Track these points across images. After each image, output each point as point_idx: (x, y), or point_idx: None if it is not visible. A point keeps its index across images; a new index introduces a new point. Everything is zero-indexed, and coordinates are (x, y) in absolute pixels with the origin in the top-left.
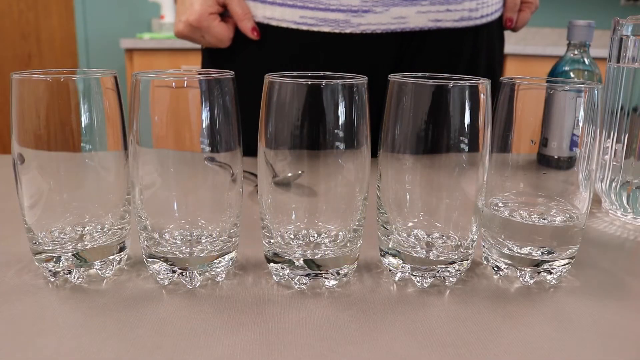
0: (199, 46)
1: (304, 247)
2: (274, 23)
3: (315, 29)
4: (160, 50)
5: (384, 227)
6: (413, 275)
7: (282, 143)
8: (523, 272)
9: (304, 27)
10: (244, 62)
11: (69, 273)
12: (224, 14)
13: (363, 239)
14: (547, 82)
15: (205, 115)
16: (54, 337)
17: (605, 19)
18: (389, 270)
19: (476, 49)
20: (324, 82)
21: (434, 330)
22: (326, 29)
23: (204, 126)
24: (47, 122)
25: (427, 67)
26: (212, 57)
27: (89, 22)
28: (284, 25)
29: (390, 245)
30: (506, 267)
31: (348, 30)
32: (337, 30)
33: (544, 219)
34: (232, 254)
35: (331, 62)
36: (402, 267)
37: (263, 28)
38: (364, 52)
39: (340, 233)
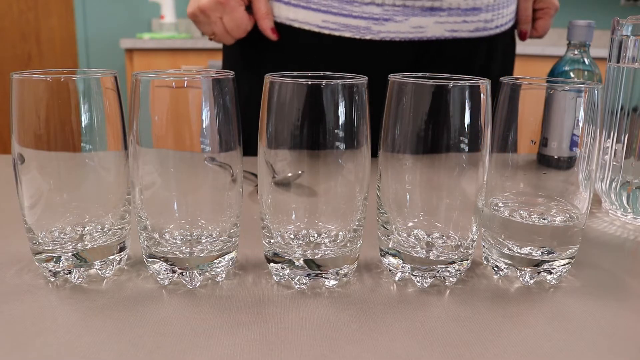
0: (199, 46)
1: (304, 247)
2: (296, 25)
3: (336, 33)
4: (160, 50)
5: (384, 227)
6: (413, 275)
7: (282, 143)
8: (523, 272)
9: (326, 31)
10: (263, 63)
11: (69, 273)
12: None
13: (363, 239)
14: (547, 82)
15: (205, 115)
16: (54, 337)
17: (605, 19)
18: (389, 270)
19: (490, 57)
20: (324, 82)
21: (434, 330)
22: (347, 35)
23: (204, 126)
24: (47, 122)
25: (442, 74)
26: (232, 58)
27: (89, 22)
28: (306, 27)
29: (390, 245)
30: (506, 267)
31: (368, 37)
32: (357, 36)
33: (544, 219)
34: (232, 254)
35: (350, 67)
36: (402, 267)
37: (285, 29)
38: (382, 58)
39: (340, 233)
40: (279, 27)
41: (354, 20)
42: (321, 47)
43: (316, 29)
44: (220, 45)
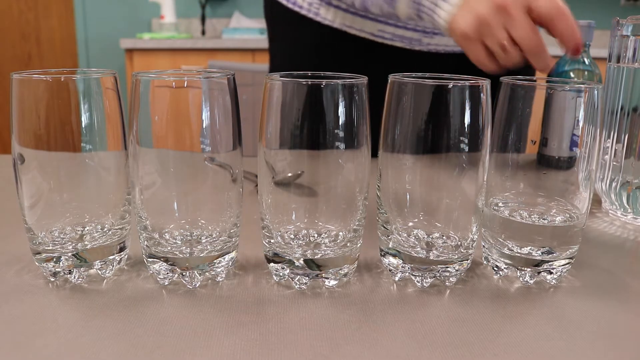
0: (199, 46)
1: (304, 247)
2: (352, 32)
3: (389, 42)
4: (160, 50)
5: (384, 227)
6: (413, 275)
7: (282, 143)
8: (523, 272)
9: (379, 40)
10: (310, 67)
11: (69, 273)
12: None
13: (363, 239)
14: (547, 82)
15: (205, 115)
16: (54, 337)
17: (605, 19)
18: (389, 270)
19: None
20: (324, 82)
21: (434, 330)
22: (398, 44)
23: (204, 126)
24: (47, 122)
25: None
26: (280, 61)
27: (89, 22)
28: (362, 35)
29: (390, 245)
30: (506, 267)
31: (417, 48)
32: (408, 47)
33: (544, 219)
34: (232, 254)
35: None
36: (402, 267)
37: (339, 34)
38: (424, 68)
39: (340, 233)
40: (334, 31)
41: (408, 32)
42: (370, 54)
43: (370, 37)
44: (219, 46)
